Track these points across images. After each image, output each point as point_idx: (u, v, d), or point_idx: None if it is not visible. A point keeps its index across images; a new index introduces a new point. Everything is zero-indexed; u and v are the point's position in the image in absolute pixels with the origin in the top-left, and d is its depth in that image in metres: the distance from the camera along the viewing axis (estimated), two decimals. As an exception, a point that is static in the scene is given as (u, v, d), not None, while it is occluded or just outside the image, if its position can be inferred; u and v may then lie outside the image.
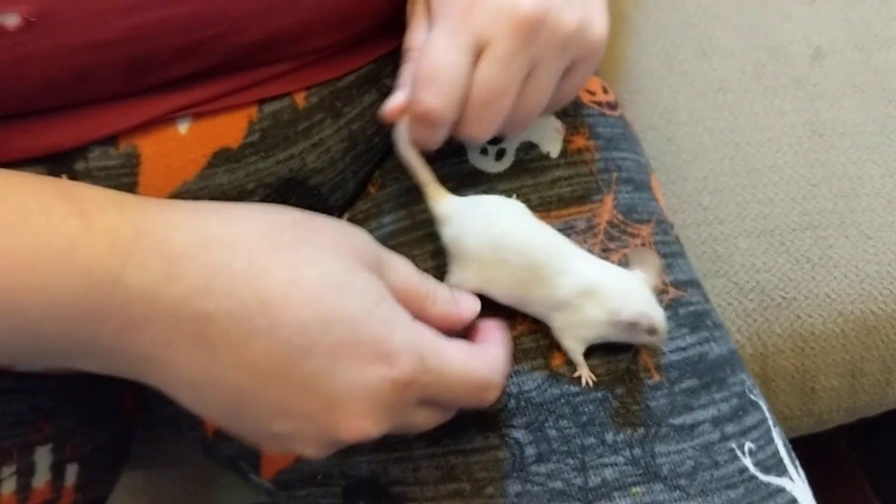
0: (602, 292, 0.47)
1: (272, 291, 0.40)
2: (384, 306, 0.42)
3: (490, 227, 0.48)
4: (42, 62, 0.43)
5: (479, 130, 0.49)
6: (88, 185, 0.43)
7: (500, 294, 0.49)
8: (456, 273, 0.49)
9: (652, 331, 0.47)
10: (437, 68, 0.46)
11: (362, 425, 0.41)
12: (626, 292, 0.47)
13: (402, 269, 0.46)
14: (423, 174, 0.50)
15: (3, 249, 0.38)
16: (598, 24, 0.50)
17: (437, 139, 0.48)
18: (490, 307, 0.49)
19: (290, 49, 0.50)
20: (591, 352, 0.49)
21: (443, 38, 0.47)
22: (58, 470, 0.57)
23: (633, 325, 0.46)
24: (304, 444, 0.42)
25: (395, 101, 0.49)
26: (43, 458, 0.56)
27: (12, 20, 0.42)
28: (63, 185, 0.42)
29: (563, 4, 0.48)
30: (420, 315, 0.45)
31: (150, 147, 0.49)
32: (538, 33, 0.47)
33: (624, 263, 0.52)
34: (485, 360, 0.45)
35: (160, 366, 0.41)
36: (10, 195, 0.40)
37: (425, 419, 0.45)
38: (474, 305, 0.48)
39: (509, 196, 0.53)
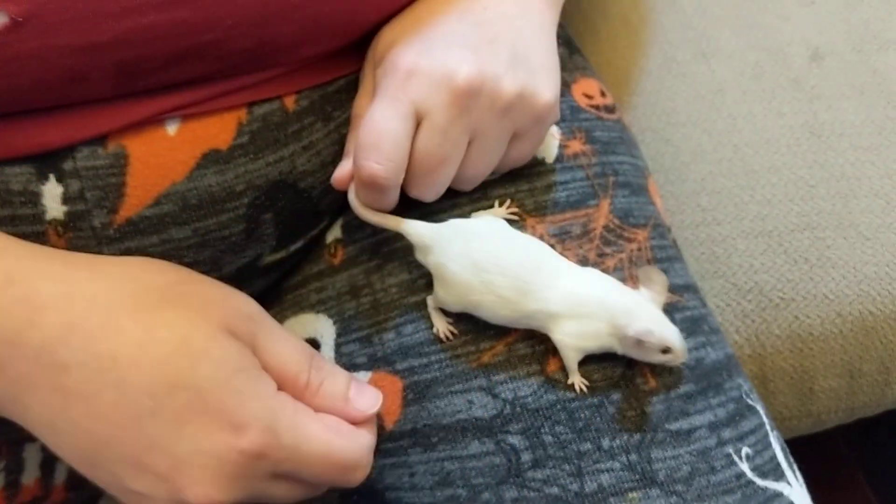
0: (606, 306, 0.47)
1: (123, 350, 0.42)
2: (241, 377, 0.43)
3: (471, 252, 0.48)
4: (31, 62, 0.43)
5: (424, 193, 0.51)
6: None
7: (489, 316, 0.49)
8: (440, 296, 0.50)
9: (666, 350, 0.47)
10: (379, 135, 0.48)
11: (208, 492, 0.41)
12: (629, 308, 0.47)
13: (285, 351, 0.46)
14: (389, 222, 0.51)
15: None
16: (544, 92, 0.51)
17: (386, 201, 0.50)
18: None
19: (280, 56, 0.50)
20: (588, 358, 0.49)
21: (383, 106, 0.48)
22: (47, 467, 0.57)
23: (640, 343, 0.46)
24: (160, 502, 0.43)
25: (342, 170, 0.51)
26: (32, 455, 0.56)
27: (0, 19, 0.42)
28: None
29: (502, 72, 0.49)
30: (300, 400, 0.46)
31: (138, 147, 0.49)
32: (475, 102, 0.48)
33: (619, 269, 0.52)
34: (351, 440, 0.45)
35: (23, 407, 0.43)
36: None
37: (286, 493, 0.45)
38: (370, 405, 0.48)
39: (503, 201, 0.53)
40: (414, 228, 0.50)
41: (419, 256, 0.51)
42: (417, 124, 0.49)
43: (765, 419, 0.52)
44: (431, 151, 0.49)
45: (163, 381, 0.41)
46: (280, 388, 0.45)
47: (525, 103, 0.50)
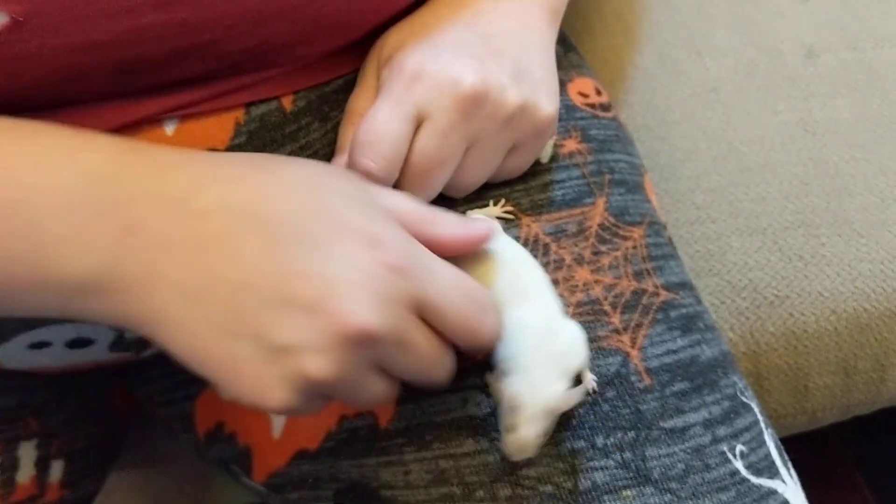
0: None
1: (257, 189, 0.40)
2: (369, 202, 0.42)
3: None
4: (31, 62, 0.43)
5: (417, 195, 0.50)
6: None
7: None
8: None
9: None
10: (378, 134, 0.48)
11: (363, 312, 0.38)
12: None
13: (396, 195, 0.46)
14: None
15: (9, 151, 0.39)
16: (546, 106, 0.51)
17: None
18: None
19: (279, 56, 0.50)
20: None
21: (386, 106, 0.49)
22: (42, 466, 0.57)
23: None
24: (309, 354, 0.38)
25: (336, 164, 0.51)
26: (27, 453, 0.56)
27: (1, 19, 0.42)
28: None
29: (507, 83, 0.49)
30: (420, 238, 0.44)
31: None
32: (478, 110, 0.49)
33: (615, 266, 0.53)
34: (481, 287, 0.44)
35: (157, 278, 0.39)
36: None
37: (425, 343, 0.42)
38: (487, 229, 0.46)
39: (498, 200, 0.53)
40: None
41: None
42: (418, 127, 0.49)
43: (759, 417, 0.52)
44: (429, 154, 0.49)
45: (302, 209, 0.40)
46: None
47: (527, 116, 0.50)
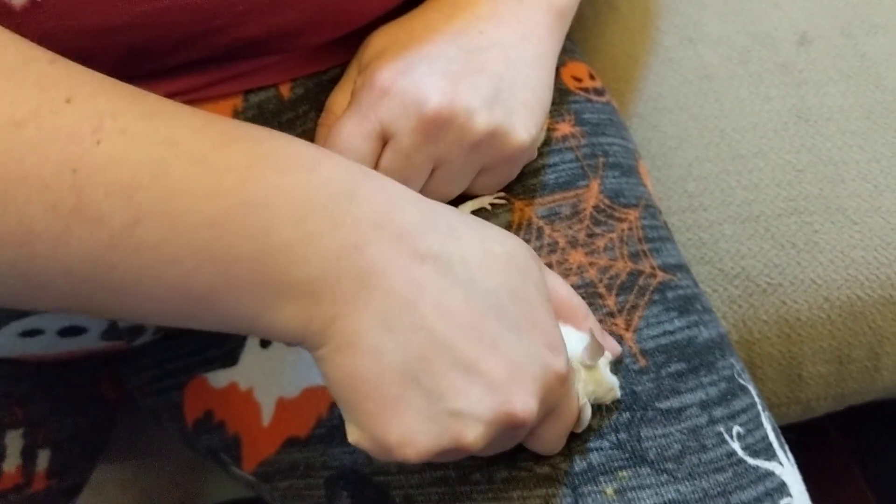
0: None
1: (472, 253, 0.40)
2: (549, 304, 0.43)
3: None
4: (45, 44, 0.43)
5: None
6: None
7: None
8: None
9: None
10: (341, 152, 0.47)
11: (531, 405, 0.40)
12: None
13: (557, 281, 0.47)
14: None
15: (257, 153, 0.38)
16: (519, 133, 0.50)
17: None
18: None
19: (284, 44, 0.50)
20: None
21: (351, 122, 0.48)
22: (29, 455, 0.57)
23: None
24: (473, 423, 0.39)
25: None
26: (14, 442, 0.56)
27: (19, 0, 0.41)
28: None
29: (478, 107, 0.48)
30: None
31: None
32: (443, 133, 0.48)
33: (610, 248, 0.52)
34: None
35: (365, 298, 0.39)
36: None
37: (552, 434, 0.44)
38: (616, 345, 0.48)
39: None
40: None
41: None
42: (385, 143, 0.49)
43: (756, 399, 0.52)
44: (391, 174, 0.48)
45: (506, 286, 0.40)
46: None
47: (496, 142, 0.49)
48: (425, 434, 0.39)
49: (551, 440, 0.44)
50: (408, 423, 0.39)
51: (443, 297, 0.39)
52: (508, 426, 0.40)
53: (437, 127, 0.48)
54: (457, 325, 0.39)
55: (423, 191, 0.50)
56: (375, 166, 0.49)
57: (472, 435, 0.39)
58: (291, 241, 0.38)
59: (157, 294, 0.37)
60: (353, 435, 0.40)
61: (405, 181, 0.48)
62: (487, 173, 0.52)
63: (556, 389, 0.41)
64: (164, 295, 0.37)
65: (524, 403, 0.39)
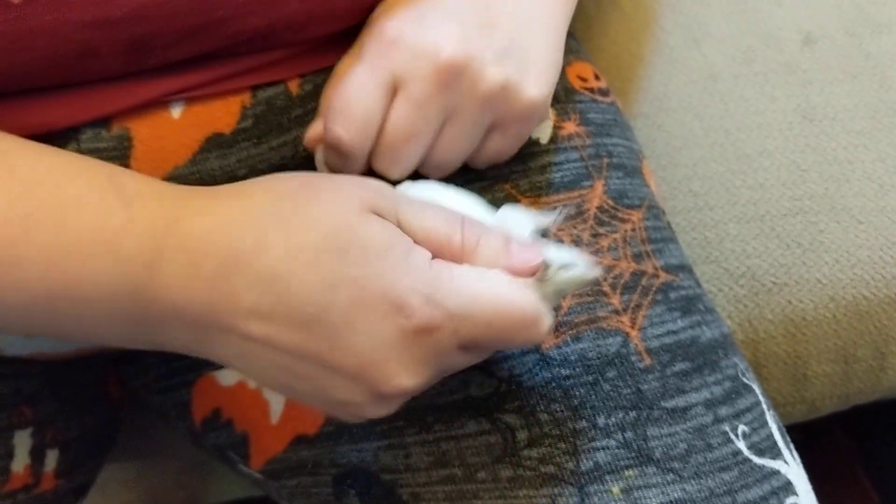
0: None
1: (278, 264, 0.40)
2: (390, 256, 0.41)
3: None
4: (45, 37, 0.43)
5: (390, 168, 0.49)
6: (135, 176, 0.43)
7: None
8: None
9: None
10: (350, 102, 0.47)
11: (400, 381, 0.40)
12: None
13: (431, 217, 0.43)
14: None
15: (57, 242, 0.39)
16: (531, 89, 0.49)
17: (351, 168, 0.49)
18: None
19: (288, 37, 0.50)
20: (581, 337, 0.48)
21: (361, 72, 0.48)
22: (37, 455, 0.57)
23: None
24: (365, 407, 0.42)
25: (314, 129, 0.50)
26: (22, 442, 0.56)
27: None
28: (114, 175, 0.42)
29: (490, 59, 0.48)
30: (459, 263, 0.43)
31: (142, 130, 0.48)
32: (457, 82, 0.47)
33: (614, 248, 0.52)
34: (522, 291, 0.42)
35: (208, 349, 0.43)
36: (67, 184, 0.41)
37: (468, 361, 0.44)
38: (533, 256, 0.43)
39: (499, 181, 0.53)
40: None
41: None
42: (394, 95, 0.48)
43: (761, 398, 0.52)
44: (402, 125, 0.48)
45: (319, 283, 0.40)
46: (435, 256, 0.42)
47: (508, 97, 0.49)
48: (342, 415, 0.44)
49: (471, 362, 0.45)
50: (322, 410, 0.45)
51: (267, 328, 0.40)
52: (397, 398, 0.42)
53: (450, 76, 0.47)
54: (288, 349, 0.40)
55: (434, 147, 0.49)
56: (385, 120, 0.48)
57: (374, 412, 0.42)
58: (102, 322, 0.41)
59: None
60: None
61: (414, 134, 0.48)
62: (499, 133, 0.51)
63: (424, 341, 0.41)
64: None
65: (391, 380, 0.41)
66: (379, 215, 0.42)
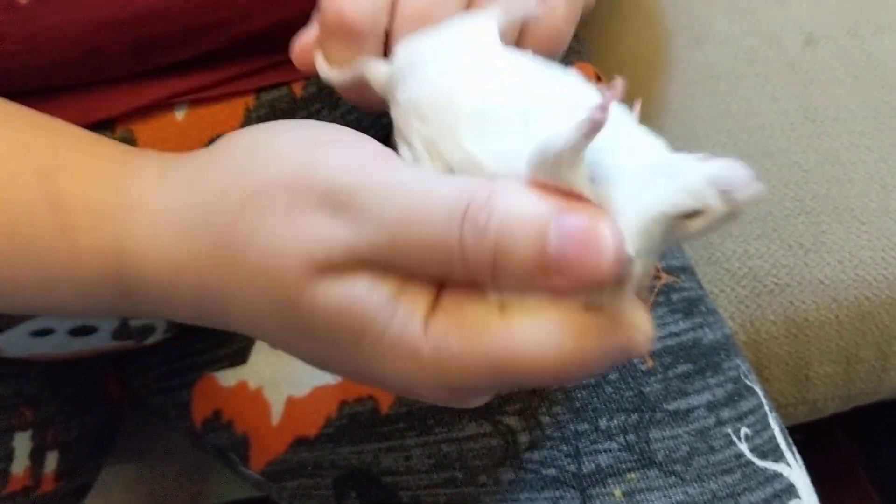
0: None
1: (247, 326, 0.37)
2: (365, 344, 0.32)
3: (457, 63, 0.34)
4: (51, 38, 0.43)
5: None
6: (73, 169, 0.39)
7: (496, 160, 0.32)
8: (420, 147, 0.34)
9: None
10: None
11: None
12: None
13: (414, 237, 0.31)
14: (356, 73, 0.39)
15: (19, 276, 0.38)
16: None
17: (363, 52, 0.39)
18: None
19: (292, 38, 0.50)
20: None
21: None
22: (37, 456, 0.57)
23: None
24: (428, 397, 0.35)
25: (306, 37, 0.41)
26: (22, 444, 0.56)
27: None
28: (48, 177, 0.38)
29: None
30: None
31: (146, 133, 0.48)
32: None
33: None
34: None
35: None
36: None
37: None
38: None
39: None
40: (375, 67, 0.38)
41: (393, 114, 0.36)
42: None
43: (763, 400, 0.52)
44: None
45: (310, 356, 0.36)
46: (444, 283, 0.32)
47: None
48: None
49: None
50: None
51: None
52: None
53: None
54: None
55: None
56: None
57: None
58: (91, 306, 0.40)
59: None
60: None
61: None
62: None
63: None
64: None
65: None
66: (335, 267, 0.32)
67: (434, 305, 0.31)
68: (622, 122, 0.32)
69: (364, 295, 0.31)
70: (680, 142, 0.75)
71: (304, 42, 0.41)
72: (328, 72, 0.40)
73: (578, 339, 0.29)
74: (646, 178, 0.29)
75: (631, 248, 0.28)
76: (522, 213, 0.29)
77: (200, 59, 0.48)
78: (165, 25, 0.45)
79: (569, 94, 0.32)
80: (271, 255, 0.33)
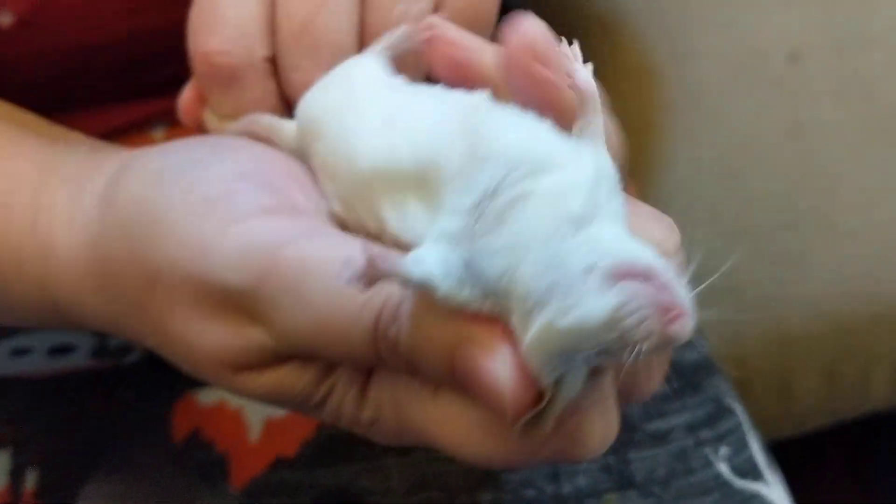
0: None
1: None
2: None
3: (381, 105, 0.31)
4: (33, 62, 0.43)
5: (309, 67, 0.34)
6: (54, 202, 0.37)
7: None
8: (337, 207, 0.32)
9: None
10: (215, 9, 0.35)
11: None
12: None
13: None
14: (252, 125, 0.36)
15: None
16: None
17: (247, 95, 0.36)
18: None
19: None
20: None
21: None
22: (17, 475, 0.57)
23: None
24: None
25: (187, 92, 0.38)
26: (2, 462, 0.56)
27: (7, 19, 0.41)
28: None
29: None
30: None
31: None
32: None
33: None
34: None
35: None
36: None
37: None
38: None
39: None
40: (279, 126, 0.35)
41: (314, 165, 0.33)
42: None
43: (741, 418, 0.52)
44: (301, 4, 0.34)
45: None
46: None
47: None
48: None
49: None
50: None
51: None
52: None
53: None
54: None
55: (368, 12, 0.35)
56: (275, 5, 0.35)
57: None
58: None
59: None
60: None
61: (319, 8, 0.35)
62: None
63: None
64: None
65: None
66: (255, 365, 0.31)
67: (366, 381, 0.30)
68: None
69: (294, 380, 0.31)
70: (664, 157, 0.75)
71: (187, 98, 0.37)
72: (218, 127, 0.36)
73: (501, 442, 0.27)
74: (539, 293, 0.24)
75: (539, 375, 0.25)
76: (429, 337, 0.27)
77: (178, 79, 0.48)
78: (149, 49, 0.45)
79: (463, 138, 0.28)
80: (188, 348, 0.32)
